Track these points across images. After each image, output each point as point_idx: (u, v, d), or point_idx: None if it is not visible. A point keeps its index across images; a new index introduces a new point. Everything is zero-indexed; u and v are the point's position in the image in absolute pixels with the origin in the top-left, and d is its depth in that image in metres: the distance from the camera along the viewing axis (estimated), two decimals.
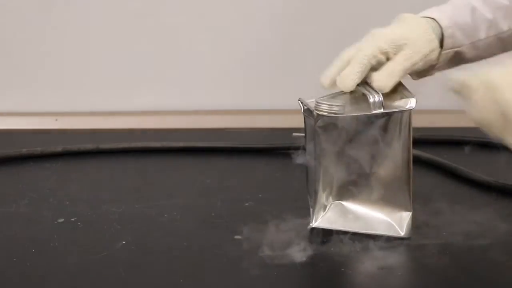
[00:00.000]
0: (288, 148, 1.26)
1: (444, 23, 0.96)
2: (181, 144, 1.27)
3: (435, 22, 0.96)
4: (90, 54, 1.47)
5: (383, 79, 0.92)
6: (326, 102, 0.92)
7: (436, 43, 0.95)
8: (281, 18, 1.45)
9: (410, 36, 0.94)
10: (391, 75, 0.92)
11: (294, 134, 1.28)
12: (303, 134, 1.27)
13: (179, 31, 1.46)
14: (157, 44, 1.46)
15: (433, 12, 0.97)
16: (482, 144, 1.27)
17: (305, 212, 1.02)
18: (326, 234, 0.96)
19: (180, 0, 1.45)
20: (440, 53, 0.97)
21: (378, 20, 0.97)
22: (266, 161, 1.22)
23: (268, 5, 1.45)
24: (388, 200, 0.96)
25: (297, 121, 1.39)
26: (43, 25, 1.46)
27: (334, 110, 0.92)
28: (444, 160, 1.16)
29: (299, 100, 0.97)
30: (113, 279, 0.88)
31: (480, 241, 0.95)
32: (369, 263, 0.90)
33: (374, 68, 0.93)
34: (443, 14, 0.97)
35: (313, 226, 0.97)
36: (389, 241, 0.95)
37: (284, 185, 1.12)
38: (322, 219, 0.97)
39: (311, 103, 0.94)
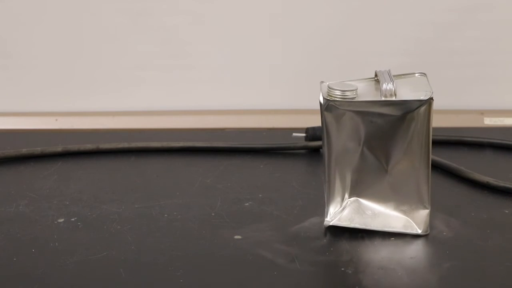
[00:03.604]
0: (288, 148, 1.27)
1: None
2: (181, 144, 1.27)
3: None
4: (89, 54, 1.47)
5: None
6: (339, 88, 0.91)
7: None
8: (281, 18, 1.45)
9: None
10: None
11: (294, 134, 1.28)
12: (303, 134, 1.28)
13: (179, 31, 1.46)
14: (157, 44, 1.46)
15: None
16: (482, 144, 1.27)
17: (306, 212, 1.02)
18: (332, 234, 0.96)
19: (181, 0, 1.45)
20: None
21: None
22: (266, 161, 1.22)
23: (269, 4, 1.45)
24: (406, 197, 0.95)
25: (297, 121, 1.40)
26: (42, 25, 1.46)
27: (347, 96, 0.91)
28: (444, 160, 1.16)
29: (320, 83, 0.94)
30: (113, 279, 0.88)
31: (480, 241, 0.95)
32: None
33: None
34: None
35: (330, 224, 0.96)
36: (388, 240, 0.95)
37: (284, 185, 1.12)
38: (340, 217, 0.96)
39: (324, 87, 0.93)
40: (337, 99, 0.91)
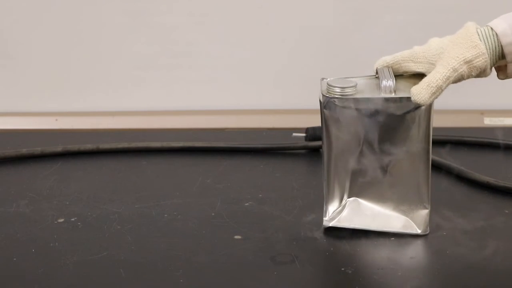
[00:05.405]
0: (288, 148, 1.27)
1: (500, 28, 0.89)
2: (181, 144, 1.27)
3: (492, 30, 0.90)
4: (89, 54, 1.47)
5: (419, 92, 0.89)
6: (338, 85, 0.90)
7: (480, 49, 0.88)
8: (281, 18, 1.45)
9: (447, 45, 0.90)
10: (428, 87, 0.89)
11: (294, 134, 1.28)
12: (303, 134, 1.28)
13: (178, 31, 1.46)
14: (157, 44, 1.46)
15: (496, 20, 0.91)
16: (482, 144, 1.27)
17: (306, 212, 1.02)
18: (333, 233, 0.96)
19: (180, 0, 1.45)
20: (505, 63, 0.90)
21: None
22: (266, 161, 1.22)
23: (269, 5, 1.45)
24: (406, 197, 0.95)
25: (297, 121, 1.40)
26: (43, 26, 1.46)
27: (346, 93, 0.91)
28: (444, 160, 1.16)
29: (321, 80, 0.93)
30: (113, 279, 0.88)
31: (480, 241, 0.95)
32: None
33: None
34: (504, 20, 0.90)
35: (329, 225, 0.96)
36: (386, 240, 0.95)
37: (284, 185, 1.12)
38: (339, 218, 0.96)
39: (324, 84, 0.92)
40: (337, 96, 0.91)
